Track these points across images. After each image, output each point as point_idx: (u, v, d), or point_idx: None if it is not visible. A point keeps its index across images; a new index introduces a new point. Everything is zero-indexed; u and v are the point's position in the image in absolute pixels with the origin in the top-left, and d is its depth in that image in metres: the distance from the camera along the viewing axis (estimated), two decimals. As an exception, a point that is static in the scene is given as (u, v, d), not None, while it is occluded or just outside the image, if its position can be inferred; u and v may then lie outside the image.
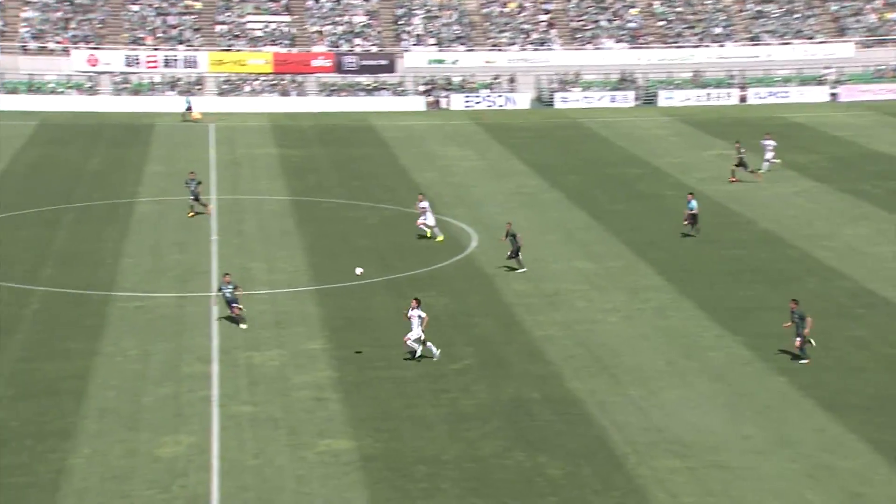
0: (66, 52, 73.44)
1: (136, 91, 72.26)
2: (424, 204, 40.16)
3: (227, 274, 30.88)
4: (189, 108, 67.08)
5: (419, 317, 27.75)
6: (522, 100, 74.58)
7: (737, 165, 49.80)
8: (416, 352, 27.97)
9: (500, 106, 73.80)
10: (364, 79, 74.77)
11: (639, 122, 68.30)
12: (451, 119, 69.33)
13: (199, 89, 73.13)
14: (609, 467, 22.77)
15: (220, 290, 30.50)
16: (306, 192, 48.51)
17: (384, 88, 74.46)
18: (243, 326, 29.89)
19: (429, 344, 28.12)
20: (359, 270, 29.50)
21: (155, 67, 73.67)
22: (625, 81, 76.72)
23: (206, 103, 71.02)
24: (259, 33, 77.07)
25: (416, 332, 27.80)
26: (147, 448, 23.16)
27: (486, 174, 52.58)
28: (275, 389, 26.47)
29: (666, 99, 75.49)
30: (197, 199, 42.88)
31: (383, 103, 72.98)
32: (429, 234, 39.83)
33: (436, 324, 31.29)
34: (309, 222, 43.03)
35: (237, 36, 76.80)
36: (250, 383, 26.84)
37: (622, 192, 48.14)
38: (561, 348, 29.48)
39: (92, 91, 71.76)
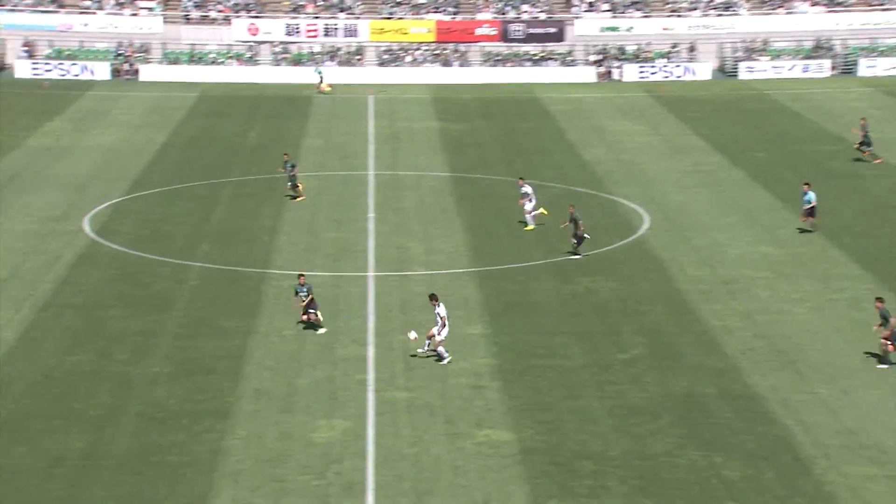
0: (227, 21, 76.15)
1: (296, 61, 74.30)
2: (527, 189, 38.88)
3: (301, 275, 29.99)
4: (321, 80, 68.13)
5: (440, 315, 26.98)
6: (703, 70, 72.83)
7: (860, 144, 47.57)
8: (441, 356, 27.22)
9: (678, 77, 72.29)
10: (531, 48, 74.57)
11: (835, 93, 65.68)
12: (623, 91, 68.40)
13: (358, 59, 74.58)
14: (794, 471, 22.12)
15: (296, 292, 29.66)
16: (467, 168, 48.77)
17: (552, 58, 74.07)
18: (322, 331, 29.18)
19: (428, 340, 27.24)
20: (412, 335, 27.62)
21: (315, 37, 75.53)
22: (820, 49, 73.86)
23: (365, 74, 72.37)
24: (422, 0, 77.91)
25: (444, 330, 26.94)
26: (302, 431, 23.88)
27: (660, 150, 51.67)
28: (432, 375, 26.83)
29: (867, 68, 72.33)
30: (294, 185, 42.14)
31: (551, 74, 72.61)
32: (529, 228, 38.44)
33: (604, 310, 31.00)
34: (469, 200, 43.25)
35: (399, 3, 77.86)
36: (406, 368, 27.29)
37: (813, 171, 46.46)
38: (740, 340, 28.76)
39: (252, 61, 74.24)
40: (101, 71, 71.78)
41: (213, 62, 73.44)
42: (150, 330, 29.63)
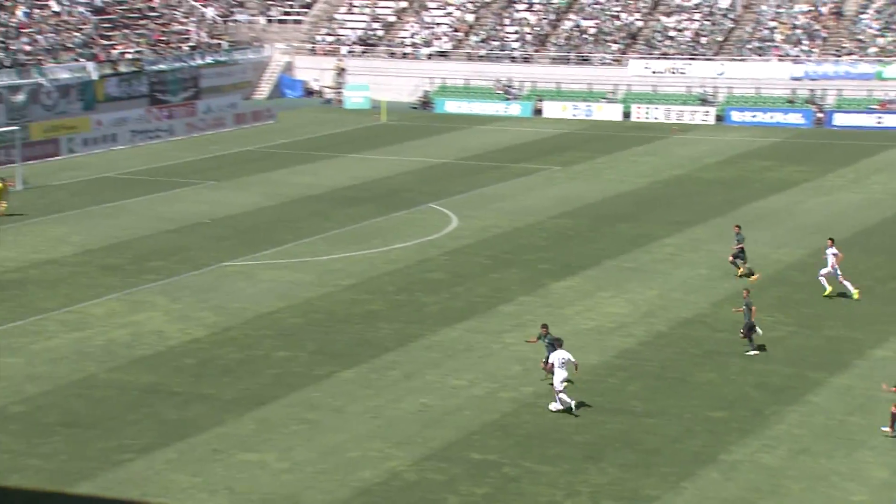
0: None
1: None
2: (831, 252, 38.40)
3: (544, 325, 30.69)
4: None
5: (561, 360, 28.30)
6: None
7: None
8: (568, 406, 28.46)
9: None
10: None
11: None
12: None
13: None
14: None
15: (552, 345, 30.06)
16: None
17: None
18: (559, 406, 29.03)
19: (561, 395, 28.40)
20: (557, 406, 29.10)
21: None
22: None
23: None
24: None
25: (560, 375, 28.23)
26: None
27: None
28: None
29: None
30: (739, 257, 41.88)
31: None
32: (830, 291, 38.47)
33: None
34: None
35: None
36: None
37: None
38: None
39: None
40: None
41: None
42: None
